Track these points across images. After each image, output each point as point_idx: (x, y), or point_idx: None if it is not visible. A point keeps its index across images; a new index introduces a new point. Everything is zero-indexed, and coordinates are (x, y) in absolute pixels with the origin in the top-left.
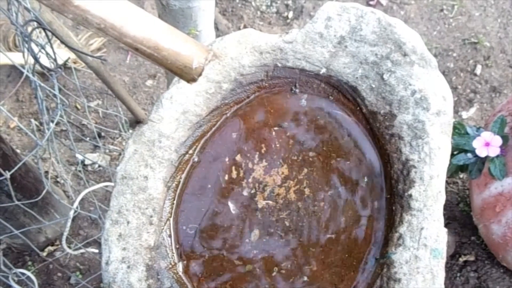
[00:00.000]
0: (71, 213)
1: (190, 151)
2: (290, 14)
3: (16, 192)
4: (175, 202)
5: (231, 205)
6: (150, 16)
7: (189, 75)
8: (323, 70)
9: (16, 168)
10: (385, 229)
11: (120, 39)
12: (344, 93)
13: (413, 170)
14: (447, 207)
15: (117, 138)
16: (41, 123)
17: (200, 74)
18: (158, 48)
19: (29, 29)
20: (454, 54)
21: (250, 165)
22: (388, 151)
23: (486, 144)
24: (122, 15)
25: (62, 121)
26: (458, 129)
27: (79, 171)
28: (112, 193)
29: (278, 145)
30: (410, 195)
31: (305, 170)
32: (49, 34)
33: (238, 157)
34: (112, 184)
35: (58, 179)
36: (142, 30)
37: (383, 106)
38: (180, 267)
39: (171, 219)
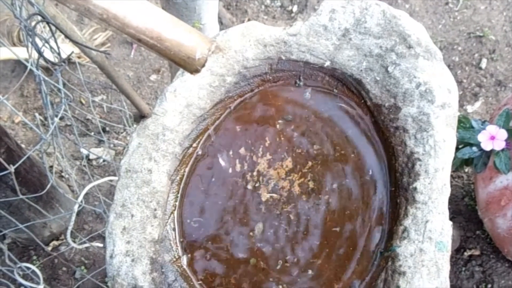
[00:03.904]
0: (76, 208)
1: (194, 145)
2: (295, 8)
3: (20, 186)
4: (179, 195)
5: (235, 198)
6: (153, 6)
7: (192, 66)
8: (328, 63)
9: (20, 162)
10: (389, 222)
11: (123, 30)
12: (349, 86)
13: (417, 163)
14: (452, 201)
15: (122, 132)
16: (45, 118)
17: (203, 65)
18: (161, 38)
19: (33, 23)
20: (459, 48)
21: (254, 158)
22: (393, 144)
23: (491, 138)
24: (124, 5)
25: (66, 115)
26: (463, 123)
27: (84, 165)
28: (116, 187)
29: (282, 138)
30: (415, 188)
31: (310, 163)
32: (53, 28)
33: (242, 150)
34: (117, 178)
35: (62, 174)
36: (145, 20)
37: (388, 99)
38: (184, 260)
39: (175, 212)
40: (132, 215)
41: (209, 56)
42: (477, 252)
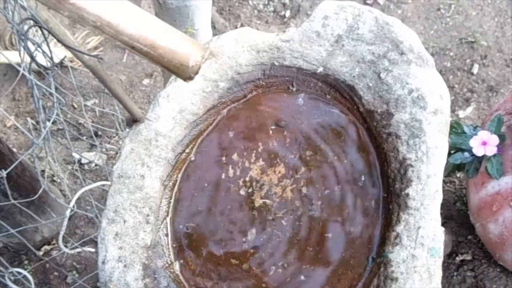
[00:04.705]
0: (68, 212)
1: (187, 150)
2: (287, 13)
3: (12, 191)
4: (172, 201)
5: (228, 204)
6: (146, 14)
7: (185, 74)
8: (320, 69)
9: (12, 167)
10: (382, 228)
11: (116, 37)
12: (341, 92)
13: (410, 169)
14: (444, 206)
15: (114, 137)
16: (37, 122)
17: (196, 73)
18: (154, 46)
19: (26, 27)
20: (451, 53)
21: (247, 164)
22: (385, 150)
23: (483, 143)
24: (118, 13)
25: (58, 120)
26: (455, 128)
27: (76, 170)
28: (108, 192)
29: (275, 144)
30: (407, 194)
31: (302, 169)
32: (46, 32)
33: (235, 156)
34: (109, 183)
35: (54, 178)
36: (138, 28)
37: (380, 105)
38: (176, 266)
39: (168, 218)
40: (125, 221)
41: (203, 63)
42: (469, 257)
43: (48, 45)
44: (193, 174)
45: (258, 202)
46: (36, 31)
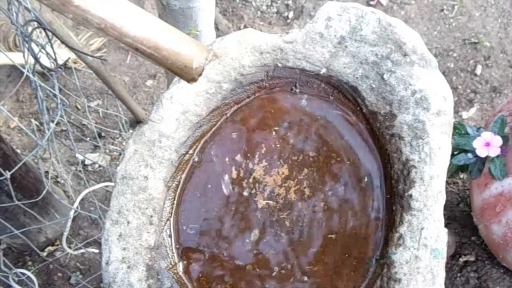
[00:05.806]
0: (71, 213)
1: (190, 151)
2: (291, 14)
3: (16, 192)
4: (175, 202)
5: (231, 205)
6: (150, 16)
7: (189, 75)
8: (323, 70)
9: (16, 168)
10: (385, 229)
11: (120, 39)
12: (345, 93)
13: (413, 170)
14: (447, 207)
15: (117, 138)
16: (41, 123)
17: (200, 74)
18: (158, 48)
19: (30, 29)
20: (455, 54)
21: (250, 165)
22: (388, 151)
23: (487, 144)
24: (122, 15)
25: (62, 121)
26: (459, 129)
27: (79, 171)
28: (112, 193)
29: (278, 145)
30: (410, 195)
31: (305, 170)
32: (50, 34)
33: (238, 157)
34: (112, 184)
35: (58, 179)
36: (142, 30)
37: (384, 106)
38: (180, 267)
39: (171, 219)
40: (128, 222)
41: (206, 65)
42: (472, 258)
43: (52, 47)
44: (197, 175)
45: (261, 203)
46: (40, 32)
